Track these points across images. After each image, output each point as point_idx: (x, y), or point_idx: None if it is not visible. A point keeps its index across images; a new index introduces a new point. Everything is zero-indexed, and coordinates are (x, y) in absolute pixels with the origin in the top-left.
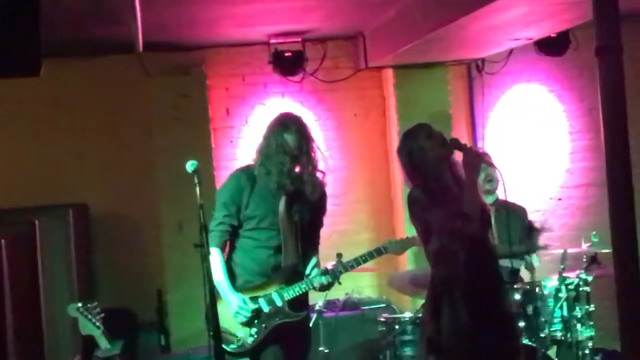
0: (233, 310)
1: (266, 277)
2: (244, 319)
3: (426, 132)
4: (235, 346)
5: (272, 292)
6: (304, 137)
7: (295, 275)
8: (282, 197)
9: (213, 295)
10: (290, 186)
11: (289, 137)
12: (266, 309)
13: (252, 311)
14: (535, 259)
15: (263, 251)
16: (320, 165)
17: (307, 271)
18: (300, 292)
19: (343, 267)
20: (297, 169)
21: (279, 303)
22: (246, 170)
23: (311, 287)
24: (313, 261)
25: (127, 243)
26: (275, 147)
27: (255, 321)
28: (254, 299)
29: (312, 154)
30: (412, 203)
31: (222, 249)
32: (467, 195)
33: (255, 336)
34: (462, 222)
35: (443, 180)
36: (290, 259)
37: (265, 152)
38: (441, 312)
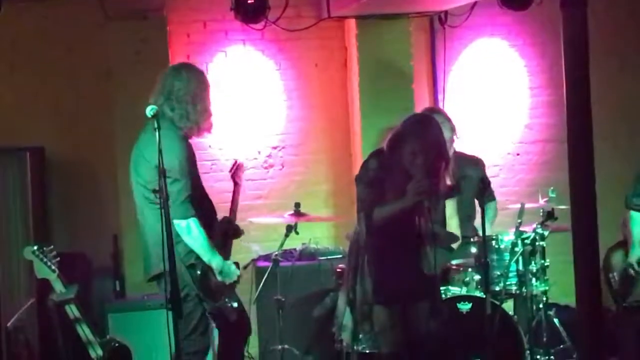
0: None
1: None
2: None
3: (435, 152)
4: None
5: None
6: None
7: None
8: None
9: (171, 239)
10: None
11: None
12: None
13: None
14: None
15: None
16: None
17: None
18: None
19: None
20: None
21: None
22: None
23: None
24: None
25: (83, 187)
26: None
27: None
28: None
29: None
30: (364, 170)
31: None
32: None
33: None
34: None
35: (403, 176)
36: None
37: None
38: (356, 275)
